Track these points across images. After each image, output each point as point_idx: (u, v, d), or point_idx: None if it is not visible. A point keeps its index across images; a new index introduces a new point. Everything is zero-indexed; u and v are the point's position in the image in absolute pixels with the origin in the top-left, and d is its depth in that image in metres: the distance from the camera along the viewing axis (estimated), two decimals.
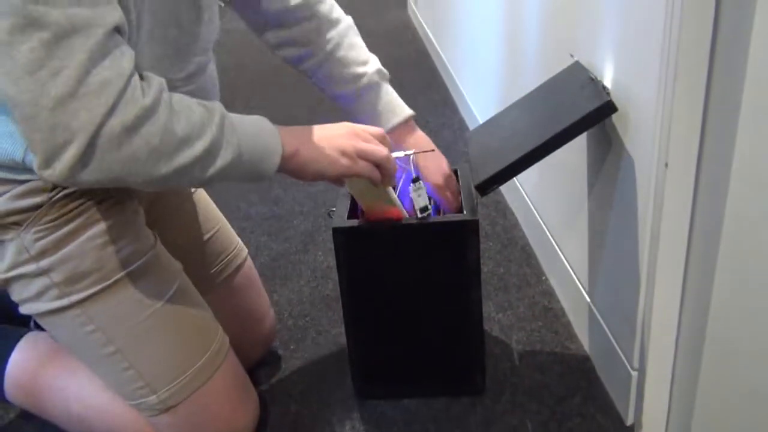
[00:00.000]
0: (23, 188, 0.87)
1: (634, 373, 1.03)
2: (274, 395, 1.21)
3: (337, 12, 1.14)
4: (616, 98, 0.96)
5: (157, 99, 0.75)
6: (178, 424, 0.98)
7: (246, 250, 1.25)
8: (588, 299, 1.21)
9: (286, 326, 1.38)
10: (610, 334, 1.12)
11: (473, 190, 1.07)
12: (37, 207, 0.88)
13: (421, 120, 2.35)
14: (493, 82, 1.87)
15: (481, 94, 2.08)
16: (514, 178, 1.67)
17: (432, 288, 1.08)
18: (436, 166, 1.16)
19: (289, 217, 1.81)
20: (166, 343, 0.96)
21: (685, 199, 0.89)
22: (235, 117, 0.85)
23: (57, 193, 0.88)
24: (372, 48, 1.16)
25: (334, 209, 1.09)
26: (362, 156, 0.92)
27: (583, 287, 1.24)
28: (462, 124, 2.29)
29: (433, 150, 1.16)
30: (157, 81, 0.77)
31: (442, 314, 1.10)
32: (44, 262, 0.89)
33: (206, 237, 1.18)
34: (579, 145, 1.19)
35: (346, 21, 1.14)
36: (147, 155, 0.74)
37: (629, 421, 1.08)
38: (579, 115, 0.95)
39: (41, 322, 0.96)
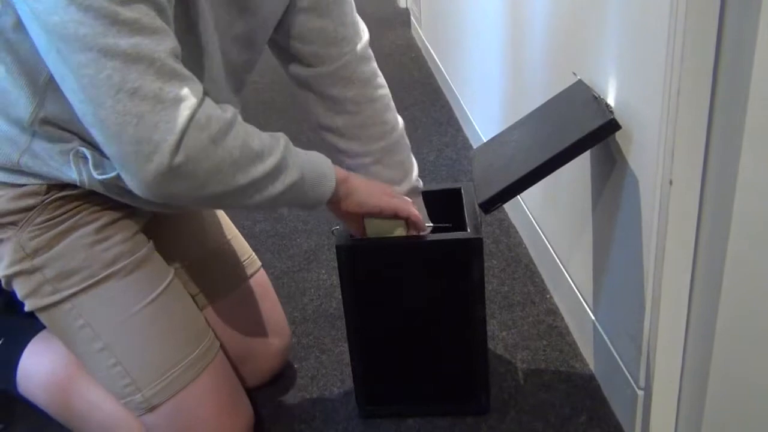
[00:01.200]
0: (20, 191, 0.93)
1: (640, 393, 1.03)
2: (277, 414, 1.20)
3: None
4: (619, 116, 0.96)
5: (235, 115, 0.83)
6: (162, 425, 1.00)
7: (259, 262, 1.27)
8: (593, 317, 1.20)
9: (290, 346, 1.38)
10: (615, 353, 1.11)
11: (477, 208, 1.07)
12: (31, 208, 0.94)
13: (424, 139, 2.36)
14: (496, 101, 1.88)
15: (485, 113, 2.09)
16: (518, 196, 1.67)
17: (436, 307, 1.07)
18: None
19: (293, 235, 1.81)
20: (151, 340, 0.99)
21: (690, 216, 0.89)
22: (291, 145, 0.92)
23: (50, 196, 0.94)
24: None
25: (337, 227, 1.09)
26: (396, 206, 1.01)
27: (587, 305, 1.23)
28: (465, 143, 2.29)
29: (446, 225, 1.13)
30: (231, 105, 0.85)
31: (446, 333, 1.09)
32: (38, 260, 0.95)
33: (220, 244, 1.20)
34: (583, 163, 1.19)
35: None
36: (228, 166, 0.81)
37: None
38: (582, 133, 0.95)
39: (41, 318, 1.00)
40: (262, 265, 1.27)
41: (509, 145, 1.13)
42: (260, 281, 1.24)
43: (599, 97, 1.02)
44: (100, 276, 0.96)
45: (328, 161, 0.96)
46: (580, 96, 1.07)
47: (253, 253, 1.26)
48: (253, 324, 1.20)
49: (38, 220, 0.94)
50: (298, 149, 0.93)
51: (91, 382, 1.04)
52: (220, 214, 1.26)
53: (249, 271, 1.23)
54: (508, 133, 1.19)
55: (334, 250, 1.05)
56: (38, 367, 1.10)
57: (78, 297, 0.96)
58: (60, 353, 1.07)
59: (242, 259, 1.23)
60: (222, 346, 1.09)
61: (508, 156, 1.10)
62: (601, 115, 0.96)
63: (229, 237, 1.23)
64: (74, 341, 0.99)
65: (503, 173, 1.04)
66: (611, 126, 0.94)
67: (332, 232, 1.10)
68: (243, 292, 1.21)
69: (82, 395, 1.05)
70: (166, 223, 1.12)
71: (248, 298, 1.21)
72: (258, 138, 0.85)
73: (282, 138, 0.90)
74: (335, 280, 1.58)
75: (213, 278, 1.18)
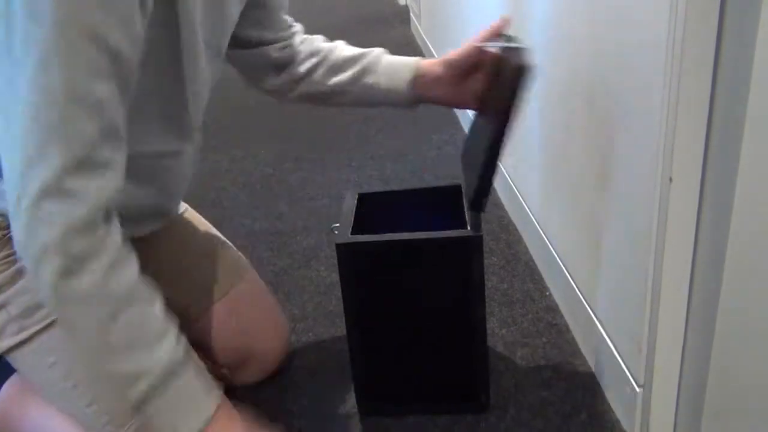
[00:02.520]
0: None
1: (640, 390, 1.03)
2: (276, 412, 1.20)
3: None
4: (618, 112, 0.95)
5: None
6: None
7: (249, 265, 1.25)
8: (593, 315, 1.20)
9: (289, 342, 1.38)
10: (615, 351, 1.11)
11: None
12: None
13: (424, 136, 2.36)
14: None
15: None
16: (518, 194, 1.68)
17: (436, 305, 1.07)
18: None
19: (292, 232, 1.80)
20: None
21: (689, 213, 0.89)
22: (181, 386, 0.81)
23: (10, 231, 0.89)
24: None
25: (337, 225, 1.09)
26: None
27: (587, 303, 1.23)
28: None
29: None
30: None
31: (446, 331, 1.09)
32: (1, 297, 0.90)
33: (206, 251, 1.18)
34: (582, 159, 1.19)
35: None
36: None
37: None
38: (506, 92, 0.94)
39: (11, 362, 0.95)
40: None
41: (473, 138, 1.14)
42: (253, 283, 1.23)
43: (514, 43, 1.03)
44: None
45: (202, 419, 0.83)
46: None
47: (242, 256, 1.25)
48: (249, 326, 1.20)
49: (0, 255, 0.90)
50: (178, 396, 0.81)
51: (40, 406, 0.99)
52: (202, 222, 1.23)
53: (240, 274, 1.21)
54: (471, 127, 1.20)
55: (334, 248, 1.05)
56: None
57: (47, 331, 0.91)
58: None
59: (231, 263, 1.21)
60: (221, 350, 1.08)
61: (473, 149, 1.10)
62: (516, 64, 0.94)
63: (215, 242, 1.20)
64: (45, 382, 0.94)
65: (473, 168, 1.04)
66: (525, 70, 0.92)
67: (332, 229, 1.10)
68: (236, 295, 1.19)
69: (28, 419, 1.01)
70: (146, 242, 1.07)
71: (242, 301, 1.20)
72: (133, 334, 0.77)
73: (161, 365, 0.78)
74: (335, 277, 1.58)
75: (203, 286, 1.15)
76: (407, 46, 3.52)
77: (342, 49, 1.16)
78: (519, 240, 1.67)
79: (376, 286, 1.07)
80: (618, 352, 1.10)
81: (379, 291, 1.07)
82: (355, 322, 1.10)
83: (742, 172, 0.77)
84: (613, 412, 1.13)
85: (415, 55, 1.18)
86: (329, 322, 1.43)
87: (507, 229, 1.72)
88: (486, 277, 1.48)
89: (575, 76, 1.19)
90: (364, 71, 1.13)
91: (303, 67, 1.15)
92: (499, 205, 1.83)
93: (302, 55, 1.15)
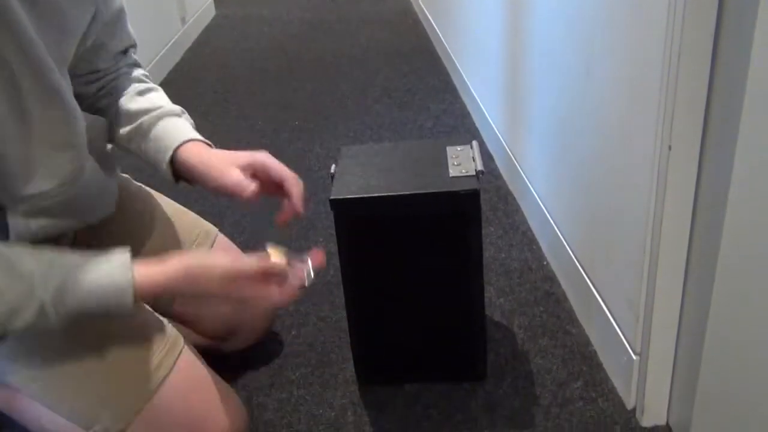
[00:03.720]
0: None
1: (636, 358, 1.03)
2: (276, 380, 1.21)
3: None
4: (618, 81, 0.95)
5: None
6: None
7: (215, 229, 1.20)
8: (590, 284, 1.21)
9: (287, 312, 1.38)
10: (612, 319, 1.12)
11: (476, 170, 1.04)
12: None
13: (422, 106, 2.35)
14: (494, 68, 1.86)
15: (483, 80, 2.07)
16: (516, 165, 1.67)
17: (434, 273, 1.08)
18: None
19: None
20: (88, 378, 0.88)
21: (688, 181, 0.89)
22: (72, 285, 0.77)
23: None
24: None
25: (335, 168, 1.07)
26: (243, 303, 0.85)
27: (585, 272, 1.24)
28: (463, 110, 2.28)
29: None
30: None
31: (444, 300, 1.09)
32: None
33: (165, 227, 1.13)
34: (581, 128, 1.18)
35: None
36: None
37: (631, 405, 1.08)
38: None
39: None
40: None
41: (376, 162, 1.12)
42: (224, 243, 1.18)
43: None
44: None
45: (126, 294, 0.78)
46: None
47: (208, 224, 1.19)
48: None
49: None
50: (85, 290, 0.77)
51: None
52: (159, 196, 1.17)
53: (208, 244, 1.16)
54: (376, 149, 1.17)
55: (332, 220, 1.04)
56: None
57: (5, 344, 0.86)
58: None
59: (195, 234, 1.16)
60: (205, 329, 1.06)
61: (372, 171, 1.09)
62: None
63: (172, 219, 1.15)
64: (27, 397, 0.89)
65: (363, 184, 1.04)
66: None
67: (331, 177, 1.07)
68: None
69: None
70: (98, 234, 1.01)
71: None
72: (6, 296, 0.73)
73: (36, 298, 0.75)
74: (333, 247, 1.57)
75: None
76: (405, 15, 3.48)
77: (131, 100, 1.02)
78: (517, 210, 1.67)
79: (373, 249, 1.06)
80: (615, 321, 1.11)
81: (376, 254, 1.07)
82: (354, 290, 1.10)
83: (742, 140, 0.77)
84: (609, 379, 1.14)
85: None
86: (327, 291, 1.43)
87: (505, 199, 1.72)
88: (484, 246, 1.48)
89: (574, 45, 1.17)
90: (137, 132, 1.01)
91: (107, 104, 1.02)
92: (497, 175, 1.83)
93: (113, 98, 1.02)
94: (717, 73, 0.82)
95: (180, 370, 0.92)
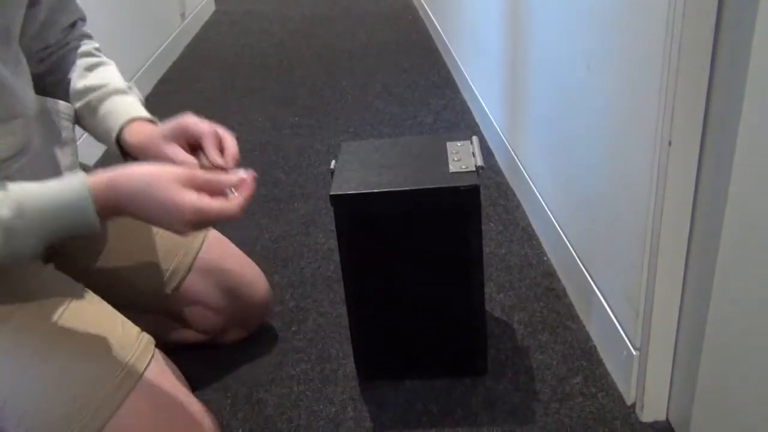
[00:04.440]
0: None
1: (636, 353, 1.03)
2: (276, 376, 1.22)
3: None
4: (618, 75, 0.94)
5: None
6: None
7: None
8: (590, 279, 1.21)
9: (287, 308, 1.39)
10: (611, 314, 1.12)
11: (476, 165, 1.04)
12: None
13: (422, 102, 2.35)
14: (494, 63, 1.86)
15: (483, 75, 2.07)
16: (516, 161, 1.67)
17: (434, 269, 1.08)
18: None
19: (290, 199, 1.80)
20: (51, 387, 0.85)
21: (688, 177, 0.88)
22: (31, 213, 0.76)
23: None
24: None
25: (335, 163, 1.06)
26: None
27: (584, 267, 1.24)
28: (464, 105, 2.28)
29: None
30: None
31: (444, 295, 1.09)
32: None
33: (149, 238, 1.13)
34: (581, 124, 1.18)
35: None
36: None
37: (630, 401, 1.08)
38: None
39: None
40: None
41: (376, 156, 1.12)
42: (214, 248, 1.18)
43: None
44: None
45: (89, 218, 0.77)
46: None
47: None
48: (227, 287, 1.17)
49: None
50: (35, 203, 0.76)
51: None
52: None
53: (196, 246, 1.15)
54: (376, 144, 1.17)
55: (332, 216, 1.04)
56: None
57: None
58: None
59: (184, 240, 1.14)
60: (211, 304, 1.06)
61: (371, 166, 1.08)
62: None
63: (155, 230, 1.13)
64: None
65: (362, 180, 1.04)
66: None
67: (331, 173, 1.08)
68: (201, 266, 1.15)
69: None
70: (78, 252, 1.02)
71: (211, 267, 1.16)
72: None
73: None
74: (333, 243, 1.58)
75: (161, 270, 1.10)
76: (405, 10, 3.48)
77: (80, 77, 1.01)
78: (517, 206, 1.67)
79: (373, 244, 1.06)
80: (615, 316, 1.11)
81: (376, 250, 1.07)
82: (354, 286, 1.10)
83: (742, 136, 0.77)
84: (609, 375, 1.14)
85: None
86: (327, 287, 1.43)
87: (505, 195, 1.72)
88: (484, 242, 1.48)
89: (575, 39, 1.17)
90: (86, 110, 1.00)
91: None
92: (497, 171, 1.83)
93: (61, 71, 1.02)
94: (717, 68, 0.81)
95: (144, 386, 0.88)
